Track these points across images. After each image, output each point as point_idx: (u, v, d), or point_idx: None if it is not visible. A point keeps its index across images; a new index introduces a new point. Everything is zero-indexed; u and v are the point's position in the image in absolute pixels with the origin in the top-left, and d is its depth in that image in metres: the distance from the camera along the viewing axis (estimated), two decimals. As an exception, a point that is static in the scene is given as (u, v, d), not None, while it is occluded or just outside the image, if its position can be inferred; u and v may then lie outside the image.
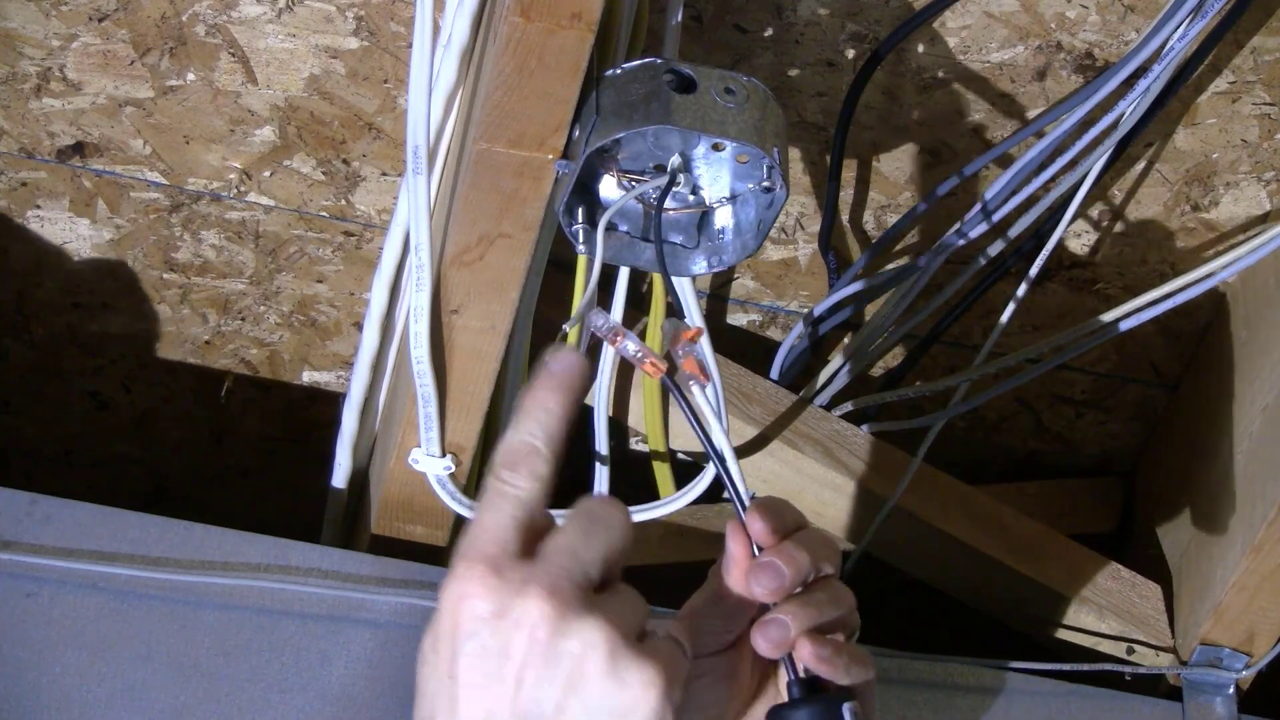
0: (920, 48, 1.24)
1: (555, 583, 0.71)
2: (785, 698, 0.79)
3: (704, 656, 0.80)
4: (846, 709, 0.78)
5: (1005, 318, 1.30)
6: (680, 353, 0.90)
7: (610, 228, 1.04)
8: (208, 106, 1.27)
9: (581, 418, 1.30)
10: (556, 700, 0.71)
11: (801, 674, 0.78)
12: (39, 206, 1.34)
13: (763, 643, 0.77)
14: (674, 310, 1.20)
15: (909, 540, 1.37)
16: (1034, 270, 1.29)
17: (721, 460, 0.85)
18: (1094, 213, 1.34)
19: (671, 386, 0.84)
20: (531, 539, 0.73)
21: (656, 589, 0.83)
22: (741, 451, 1.31)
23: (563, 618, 0.70)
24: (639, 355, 0.86)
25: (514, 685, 0.71)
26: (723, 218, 1.04)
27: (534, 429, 0.75)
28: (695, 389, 0.89)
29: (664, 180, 1.00)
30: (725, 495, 1.09)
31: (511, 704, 0.71)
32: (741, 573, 0.80)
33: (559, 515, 0.75)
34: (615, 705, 0.71)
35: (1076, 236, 1.36)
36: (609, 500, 0.75)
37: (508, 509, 0.74)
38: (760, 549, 0.80)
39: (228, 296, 1.41)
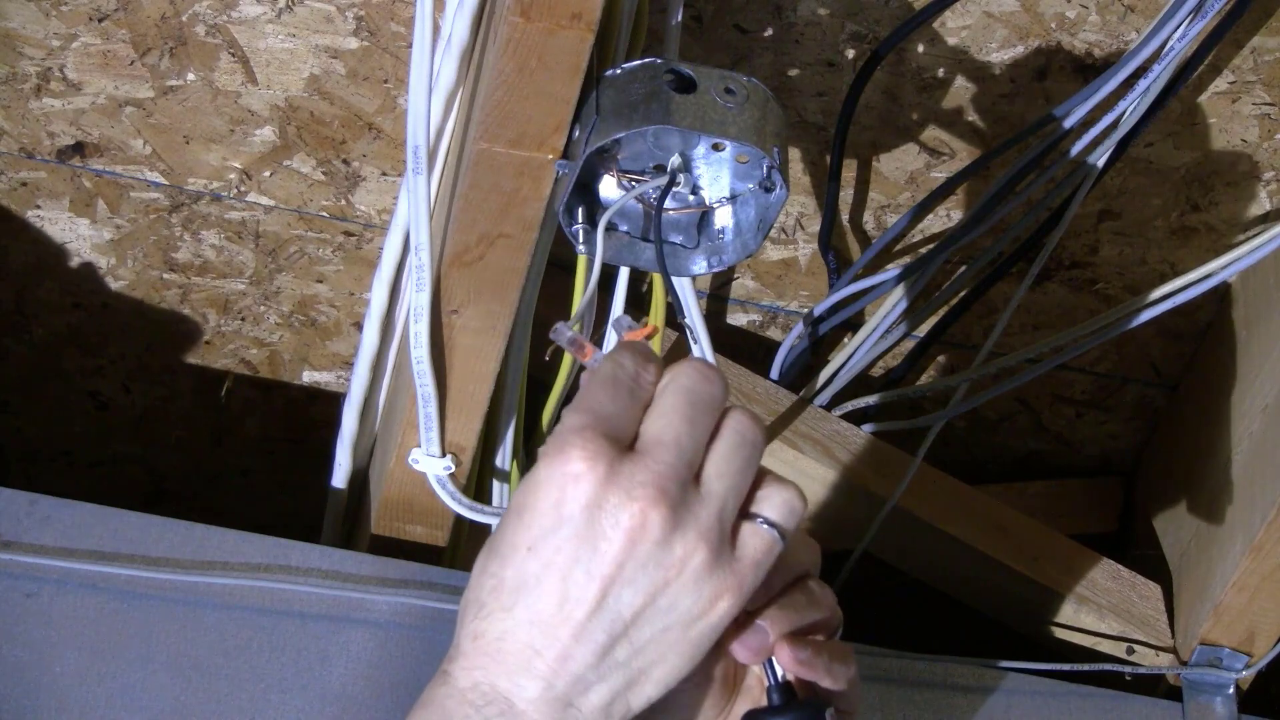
0: (920, 48, 1.24)
1: (663, 485, 0.70)
2: (765, 700, 0.78)
3: None
4: (827, 715, 0.77)
5: (1005, 318, 1.30)
6: None
7: (610, 228, 1.03)
8: (208, 106, 1.27)
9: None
10: (638, 605, 0.70)
11: (781, 679, 0.78)
12: (39, 206, 1.34)
13: (742, 651, 0.76)
14: (673, 311, 1.20)
15: (909, 540, 1.37)
16: (1034, 270, 1.29)
17: None
18: (1094, 213, 1.34)
19: None
20: (637, 424, 0.72)
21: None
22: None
23: (665, 526, 0.70)
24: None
25: (599, 581, 0.70)
26: (723, 218, 1.04)
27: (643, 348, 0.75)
28: None
29: (664, 180, 1.00)
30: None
31: (593, 599, 0.70)
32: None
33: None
34: (690, 612, 0.71)
35: (1076, 236, 1.36)
36: (705, 372, 0.73)
37: (624, 398, 0.73)
38: None
39: (228, 296, 1.41)
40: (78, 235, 1.36)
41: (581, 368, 0.80)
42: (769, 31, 1.22)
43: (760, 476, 0.74)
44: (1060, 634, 1.38)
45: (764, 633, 0.76)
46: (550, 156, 0.98)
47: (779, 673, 0.77)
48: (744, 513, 0.73)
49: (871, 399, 1.38)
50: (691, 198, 1.03)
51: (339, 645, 1.15)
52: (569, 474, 0.70)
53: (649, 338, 0.82)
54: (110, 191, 1.33)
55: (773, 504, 0.73)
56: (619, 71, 0.98)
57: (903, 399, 1.39)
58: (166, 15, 1.22)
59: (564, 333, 0.82)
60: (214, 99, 1.27)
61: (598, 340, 0.87)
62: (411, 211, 1.04)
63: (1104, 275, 1.38)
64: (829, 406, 1.38)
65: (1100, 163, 1.23)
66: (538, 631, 0.71)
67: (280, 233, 1.36)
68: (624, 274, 1.19)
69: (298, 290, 1.40)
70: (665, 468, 0.71)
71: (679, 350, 1.29)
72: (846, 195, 1.33)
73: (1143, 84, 1.17)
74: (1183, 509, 1.40)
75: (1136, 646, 1.35)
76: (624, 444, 0.71)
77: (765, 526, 0.73)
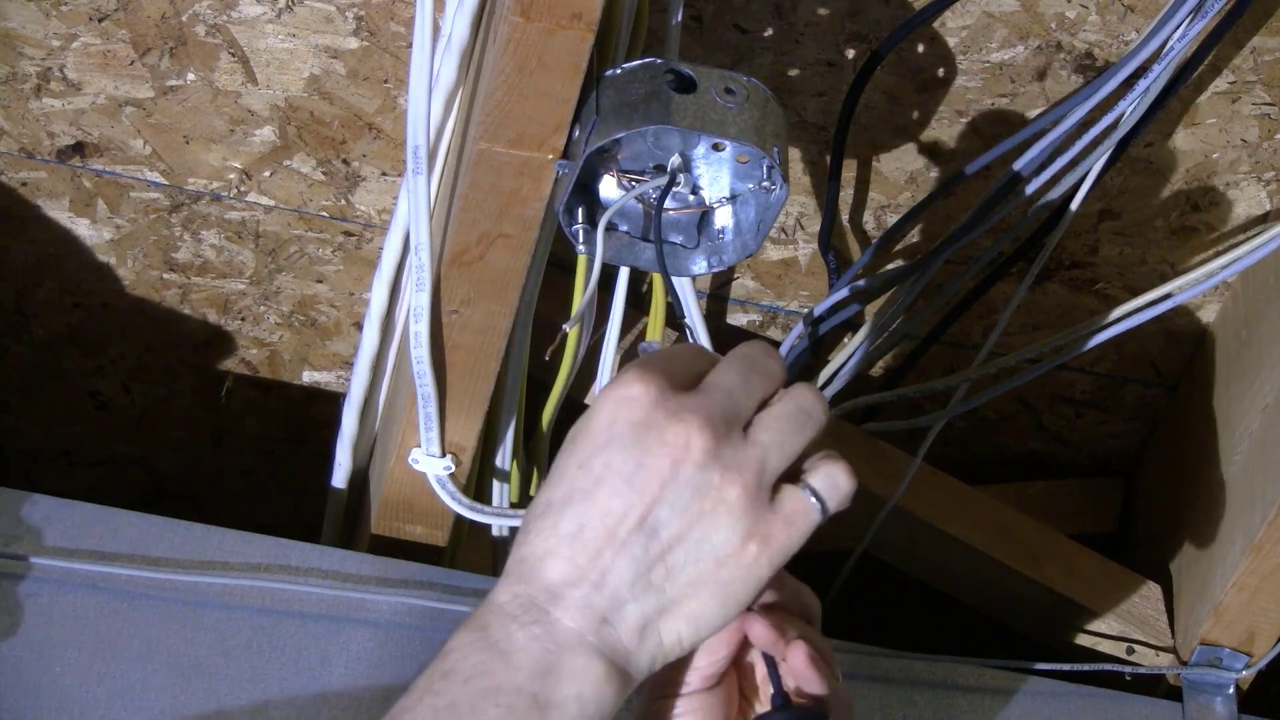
0: (920, 48, 1.24)
1: (710, 416, 0.73)
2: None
3: (688, 694, 0.80)
4: None
5: (1005, 318, 1.30)
6: None
7: (610, 228, 1.04)
8: (208, 106, 1.27)
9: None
10: (675, 529, 0.72)
11: (784, 686, 0.78)
12: (39, 206, 1.34)
13: (757, 628, 0.78)
14: (673, 311, 1.20)
15: (909, 540, 1.37)
16: (1034, 270, 1.29)
17: None
18: (1094, 213, 1.34)
19: None
20: (696, 380, 0.75)
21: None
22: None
23: (707, 453, 0.72)
24: None
25: (642, 497, 0.72)
26: (723, 218, 1.04)
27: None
28: None
29: (664, 180, 1.00)
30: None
31: (636, 516, 0.72)
32: None
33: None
34: (722, 548, 0.73)
35: (1076, 236, 1.36)
36: (767, 349, 0.77)
37: (687, 357, 0.77)
38: None
39: (228, 296, 1.41)
40: (78, 235, 1.36)
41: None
42: (769, 31, 1.22)
43: (816, 449, 0.76)
44: (1060, 634, 1.38)
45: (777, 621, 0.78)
46: (550, 156, 0.98)
47: (781, 680, 0.78)
48: (792, 477, 0.75)
49: (871, 399, 1.38)
50: (691, 198, 1.03)
51: (339, 645, 1.15)
52: (623, 396, 0.74)
53: None
54: (110, 191, 1.33)
55: (819, 474, 0.75)
56: (619, 71, 0.98)
57: (903, 399, 1.39)
58: (166, 15, 1.22)
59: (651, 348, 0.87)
60: (214, 99, 1.27)
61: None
62: (411, 211, 1.04)
63: (1104, 275, 1.38)
64: (829, 406, 1.38)
65: (1100, 163, 1.23)
66: (579, 546, 0.73)
67: (280, 233, 1.36)
68: (624, 274, 1.19)
69: (298, 290, 1.40)
70: (715, 404, 0.74)
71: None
72: (846, 195, 1.33)
73: (1143, 84, 1.17)
74: (1183, 509, 1.40)
75: (1136, 646, 1.35)
76: (681, 385, 0.75)
77: (806, 492, 0.75)
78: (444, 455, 1.14)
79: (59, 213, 1.35)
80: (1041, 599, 1.37)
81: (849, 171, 1.31)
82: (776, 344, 1.40)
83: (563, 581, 0.73)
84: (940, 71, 1.25)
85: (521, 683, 0.71)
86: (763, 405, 0.76)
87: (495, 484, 1.23)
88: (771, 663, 0.79)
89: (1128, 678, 1.34)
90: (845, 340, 1.40)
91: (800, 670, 0.78)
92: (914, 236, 1.36)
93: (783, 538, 0.74)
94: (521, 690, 0.71)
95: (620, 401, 0.73)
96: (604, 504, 0.73)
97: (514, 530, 1.27)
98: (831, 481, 0.75)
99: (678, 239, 1.05)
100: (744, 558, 0.73)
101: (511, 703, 0.71)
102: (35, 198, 1.34)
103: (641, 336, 1.29)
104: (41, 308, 1.42)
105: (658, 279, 1.20)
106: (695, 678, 0.80)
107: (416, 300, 1.06)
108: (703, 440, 0.72)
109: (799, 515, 0.74)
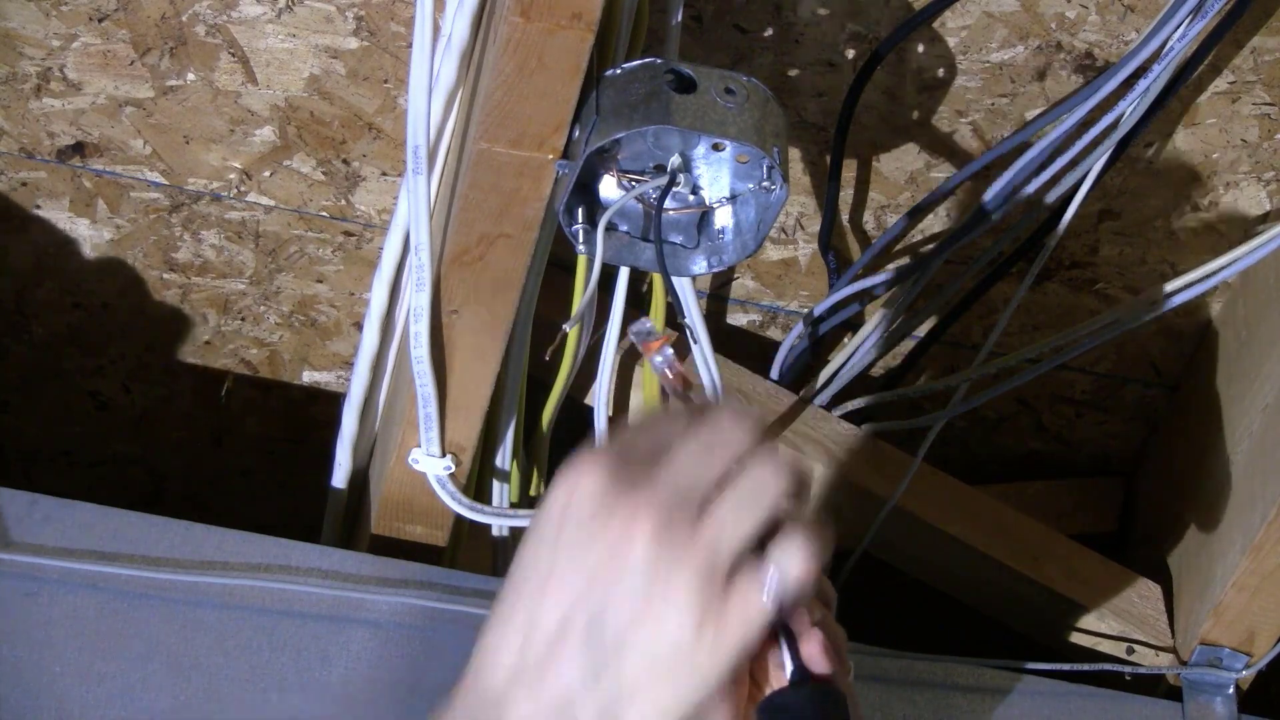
0: (920, 48, 1.24)
1: (659, 497, 0.70)
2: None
3: None
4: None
5: (1005, 318, 1.30)
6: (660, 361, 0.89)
7: (610, 228, 1.04)
8: (208, 106, 1.27)
9: (582, 418, 1.30)
10: (628, 617, 0.70)
11: (798, 666, 0.78)
12: (39, 206, 1.34)
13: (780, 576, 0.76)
14: (673, 311, 1.20)
15: (909, 540, 1.37)
16: (1034, 270, 1.29)
17: None
18: (1094, 213, 1.34)
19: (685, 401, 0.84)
20: (656, 458, 0.72)
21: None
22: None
23: (654, 537, 0.70)
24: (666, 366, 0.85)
25: (591, 590, 0.70)
26: (723, 218, 1.04)
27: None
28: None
29: (664, 180, 1.00)
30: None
31: (586, 608, 0.70)
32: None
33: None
34: (677, 641, 0.70)
35: (1076, 236, 1.36)
36: (737, 415, 0.73)
37: (653, 423, 0.74)
38: None
39: (228, 296, 1.41)
40: (78, 235, 1.36)
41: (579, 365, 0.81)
42: (769, 31, 1.22)
43: (783, 524, 0.72)
44: (1060, 634, 1.38)
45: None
46: (550, 156, 0.98)
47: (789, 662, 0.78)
48: (753, 556, 0.72)
49: (871, 399, 1.38)
50: (691, 198, 1.03)
51: (339, 645, 1.15)
52: (571, 485, 0.71)
53: (661, 345, 0.83)
54: (110, 191, 1.33)
55: (778, 553, 0.72)
56: (619, 71, 0.98)
57: (903, 399, 1.39)
58: (166, 15, 1.22)
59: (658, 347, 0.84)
60: (214, 99, 1.27)
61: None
62: (411, 211, 1.04)
63: (1104, 275, 1.38)
64: (829, 406, 1.38)
65: (1100, 163, 1.23)
66: (529, 644, 0.71)
67: (280, 233, 1.36)
68: (624, 274, 1.19)
69: (298, 290, 1.40)
70: (665, 485, 0.71)
71: (679, 350, 1.29)
72: (846, 195, 1.33)
73: (1143, 84, 1.17)
74: (1183, 509, 1.39)
75: (1136, 646, 1.35)
76: (637, 465, 0.72)
77: (764, 574, 0.72)
78: (444, 455, 1.14)
79: (59, 213, 1.35)
80: (1041, 599, 1.37)
81: (849, 171, 1.31)
82: (776, 344, 1.40)
83: (512, 680, 0.71)
84: (940, 71, 1.25)
85: None
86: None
87: (495, 484, 1.23)
88: (790, 638, 0.78)
89: (1128, 678, 1.34)
90: (845, 340, 1.40)
91: (814, 656, 0.77)
92: (914, 236, 1.36)
93: (738, 624, 0.71)
94: None
95: (569, 490, 0.71)
96: (554, 597, 0.70)
97: (514, 530, 1.27)
98: (788, 561, 0.72)
99: (678, 239, 1.05)
100: (700, 646, 0.70)
101: None
102: (35, 198, 1.34)
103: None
104: (41, 308, 1.42)
105: (658, 279, 1.20)
106: None
107: (416, 300, 1.06)
108: (650, 524, 0.70)
109: (751, 603, 0.71)
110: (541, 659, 0.71)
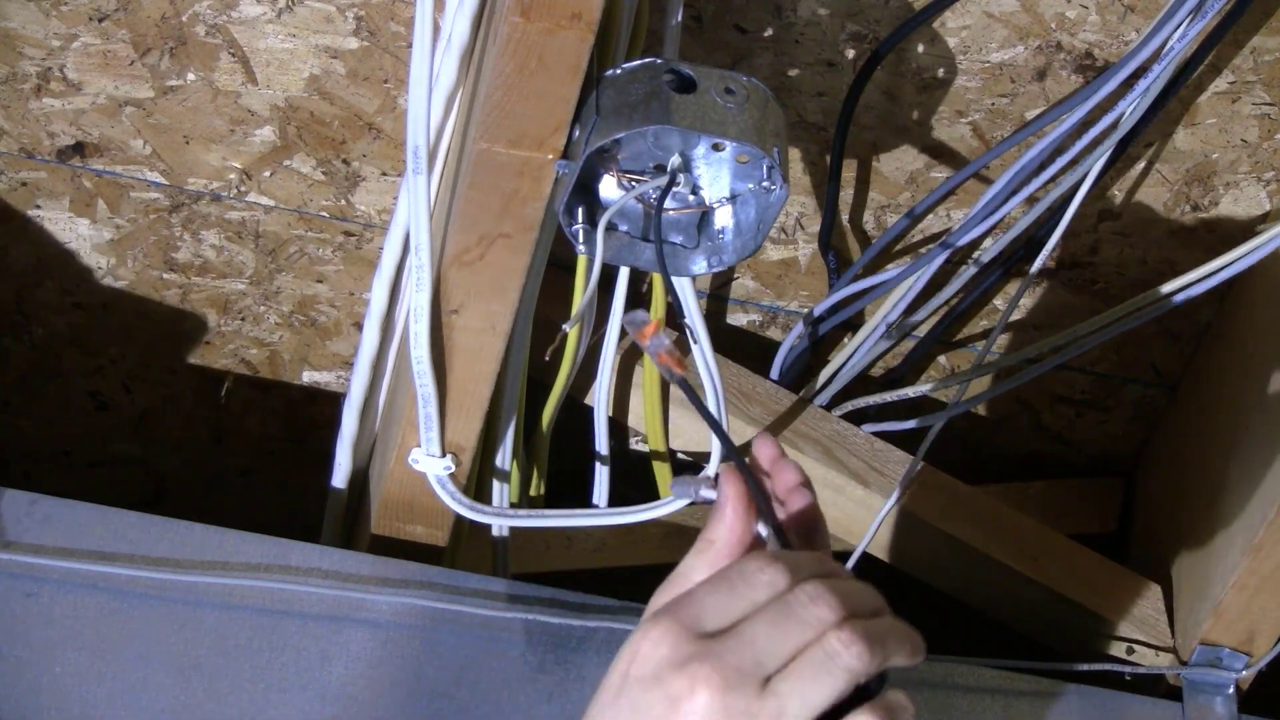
0: (920, 48, 1.24)
1: (723, 666, 0.71)
2: None
3: None
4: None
5: (1005, 318, 1.30)
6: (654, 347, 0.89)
7: (610, 228, 1.04)
8: (208, 106, 1.27)
9: (582, 418, 1.30)
10: None
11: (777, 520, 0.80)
12: (39, 206, 1.34)
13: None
14: (673, 311, 1.20)
15: (909, 540, 1.37)
16: (1034, 270, 1.29)
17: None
18: (1094, 213, 1.34)
19: (685, 389, 0.84)
20: (728, 622, 0.73)
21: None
22: (742, 452, 1.31)
23: (711, 707, 0.70)
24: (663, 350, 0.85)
25: None
26: (723, 218, 1.04)
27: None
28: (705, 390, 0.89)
29: (664, 180, 1.00)
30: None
31: None
32: (741, 511, 0.80)
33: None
34: None
35: (1076, 236, 1.36)
36: (818, 591, 0.73)
37: (727, 584, 0.74)
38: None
39: (228, 296, 1.41)
40: (78, 235, 1.36)
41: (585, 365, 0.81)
42: (769, 31, 1.22)
43: (856, 702, 0.72)
44: (1060, 634, 1.38)
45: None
46: (550, 156, 0.98)
47: None
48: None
49: (871, 399, 1.38)
50: (691, 198, 1.03)
51: (339, 645, 1.15)
52: (637, 646, 0.72)
53: (655, 329, 0.83)
54: (110, 191, 1.33)
55: None
56: (619, 71, 0.98)
57: (903, 399, 1.39)
58: (166, 15, 1.22)
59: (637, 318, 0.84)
60: (214, 99, 1.27)
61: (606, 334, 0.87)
62: (411, 211, 1.04)
63: (1104, 275, 1.38)
64: (829, 406, 1.38)
65: (1100, 163, 1.23)
66: None
67: (280, 233, 1.36)
68: (624, 274, 1.19)
69: (298, 290, 1.40)
70: (730, 654, 0.71)
71: (679, 349, 1.29)
72: (846, 195, 1.33)
73: (1143, 84, 1.17)
74: (1183, 509, 1.39)
75: (1136, 646, 1.35)
76: (707, 628, 0.72)
77: None
78: (444, 455, 1.14)
79: (59, 213, 1.35)
80: (1041, 599, 1.37)
81: (849, 171, 1.31)
82: (776, 344, 1.40)
83: None
84: (940, 71, 1.25)
85: None
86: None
87: (495, 484, 1.23)
88: (776, 527, 0.79)
89: (1128, 678, 1.34)
90: (845, 340, 1.40)
91: (788, 485, 0.80)
92: (914, 236, 1.36)
93: None
94: None
95: (634, 652, 0.72)
96: None
97: (514, 530, 1.27)
98: None
99: (678, 239, 1.05)
100: None
101: None
102: (35, 198, 1.34)
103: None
104: (41, 308, 1.42)
105: (658, 279, 1.20)
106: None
107: (416, 300, 1.06)
108: (708, 694, 0.70)
109: None
110: None
